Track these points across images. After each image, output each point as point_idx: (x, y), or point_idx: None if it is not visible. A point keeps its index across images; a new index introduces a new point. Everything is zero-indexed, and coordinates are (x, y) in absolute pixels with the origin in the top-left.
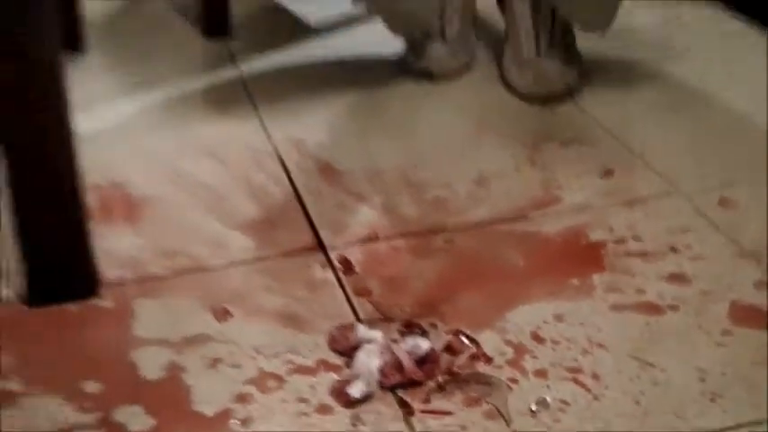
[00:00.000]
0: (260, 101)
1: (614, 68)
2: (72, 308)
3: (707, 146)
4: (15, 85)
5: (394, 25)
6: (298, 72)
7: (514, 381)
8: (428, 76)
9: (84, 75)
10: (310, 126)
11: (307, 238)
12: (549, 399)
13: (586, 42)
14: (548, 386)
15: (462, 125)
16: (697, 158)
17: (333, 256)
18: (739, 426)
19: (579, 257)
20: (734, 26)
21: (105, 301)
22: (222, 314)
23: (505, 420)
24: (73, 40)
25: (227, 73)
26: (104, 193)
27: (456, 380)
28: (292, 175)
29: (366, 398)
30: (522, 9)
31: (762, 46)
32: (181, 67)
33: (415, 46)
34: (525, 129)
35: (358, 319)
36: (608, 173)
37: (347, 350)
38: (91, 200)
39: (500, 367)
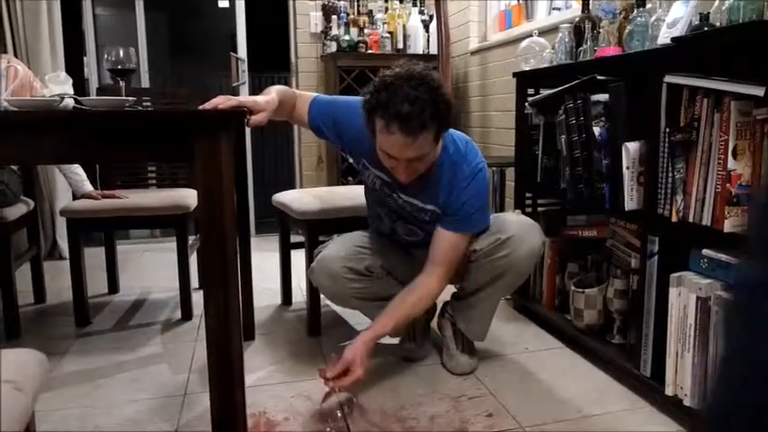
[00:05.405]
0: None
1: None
2: None
3: None
4: None
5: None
6: None
7: None
8: (406, 359)
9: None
10: None
11: None
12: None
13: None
14: None
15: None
16: None
17: None
18: None
19: None
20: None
21: None
22: None
23: None
24: (247, 330)
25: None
26: None
27: None
28: None
29: None
30: (447, 329)
31: None
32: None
33: (401, 344)
34: (449, 387)
35: None
36: (489, 415)
37: None
38: None
39: None
